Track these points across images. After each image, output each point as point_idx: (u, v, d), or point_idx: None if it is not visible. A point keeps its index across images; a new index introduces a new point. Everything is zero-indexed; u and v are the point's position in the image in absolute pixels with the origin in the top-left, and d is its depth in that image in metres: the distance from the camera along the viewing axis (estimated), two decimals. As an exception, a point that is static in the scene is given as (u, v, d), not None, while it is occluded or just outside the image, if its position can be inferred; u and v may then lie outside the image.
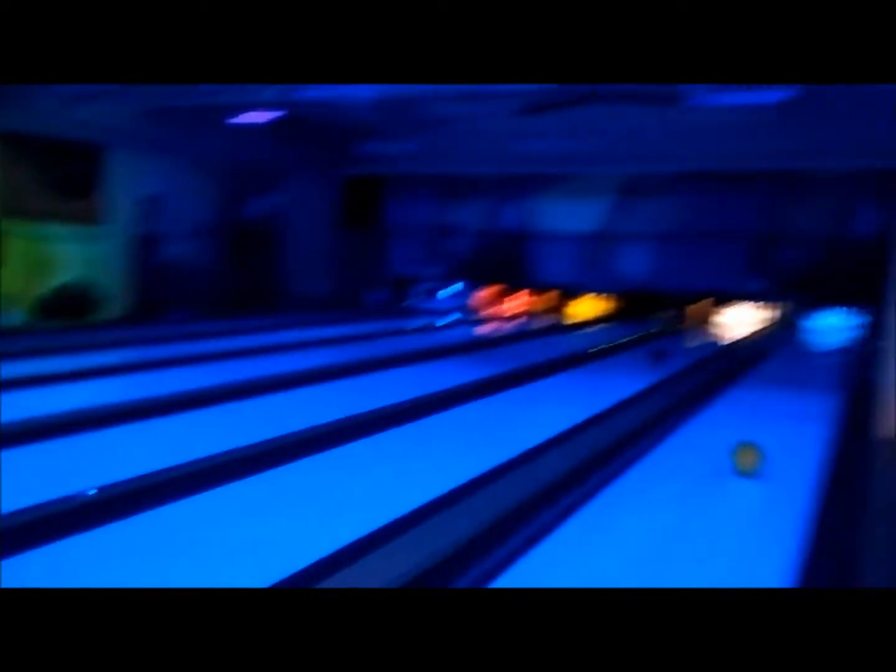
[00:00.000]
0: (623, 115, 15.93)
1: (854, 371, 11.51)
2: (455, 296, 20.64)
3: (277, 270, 18.09)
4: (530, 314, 19.45)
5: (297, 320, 15.42)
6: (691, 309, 18.42)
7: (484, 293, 20.85)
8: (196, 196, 16.19)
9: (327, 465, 5.76)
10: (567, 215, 18.20)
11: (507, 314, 19.34)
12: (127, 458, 5.56)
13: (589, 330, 17.28)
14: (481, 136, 17.26)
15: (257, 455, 5.79)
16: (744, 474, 5.91)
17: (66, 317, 13.56)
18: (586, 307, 19.61)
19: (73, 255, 13.94)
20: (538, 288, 19.58)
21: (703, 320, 18.34)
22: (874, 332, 15.09)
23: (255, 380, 8.77)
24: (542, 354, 11.92)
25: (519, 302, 20.63)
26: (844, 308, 17.04)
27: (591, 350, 12.85)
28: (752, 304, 17.90)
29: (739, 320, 18.20)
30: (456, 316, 18.50)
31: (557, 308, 19.88)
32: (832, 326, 17.23)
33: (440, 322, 17.24)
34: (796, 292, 16.72)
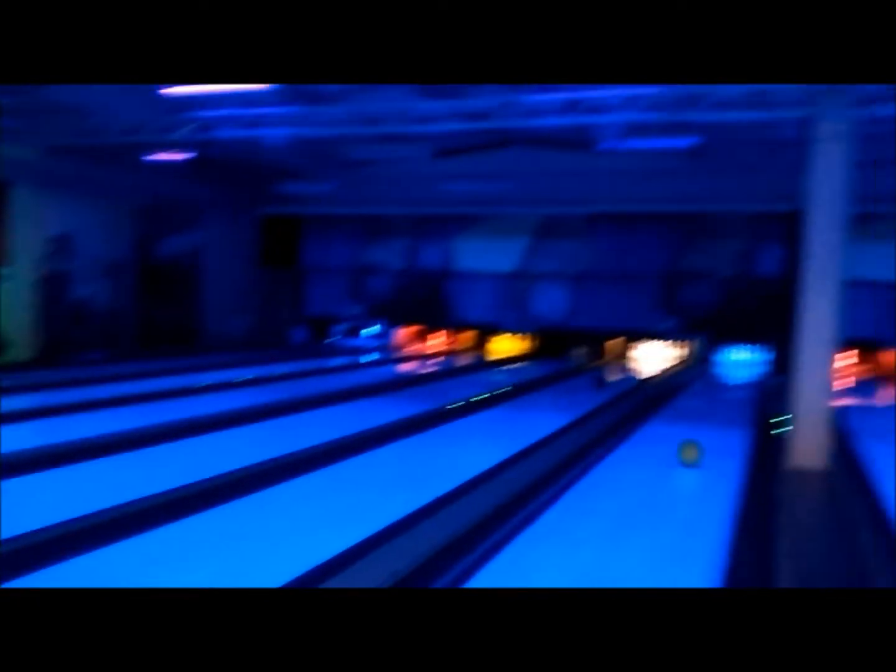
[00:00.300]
0: (538, 159, 16.40)
1: (760, 405, 11.97)
2: (376, 334, 20.64)
3: (195, 309, 17.75)
4: (450, 352, 19.59)
5: (217, 360, 15.10)
6: (608, 345, 18.91)
7: (405, 332, 20.91)
8: (109, 234, 15.80)
9: (250, 510, 5.65)
10: (485, 255, 18.50)
11: (428, 352, 19.43)
12: (32, 509, 5.34)
13: (508, 367, 17.50)
14: (401, 178, 17.46)
15: (181, 499, 5.66)
16: (688, 465, 7.18)
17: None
18: (505, 345, 19.88)
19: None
20: (458, 326, 19.76)
21: (619, 357, 18.84)
22: (779, 368, 15.77)
23: (176, 422, 8.56)
24: (464, 392, 12.01)
25: (439, 340, 20.76)
26: (751, 344, 17.78)
27: (510, 388, 13.02)
28: (663, 341, 18.47)
29: (652, 357, 18.75)
30: (377, 354, 18.48)
31: (477, 346, 20.09)
32: (740, 362, 17.93)
33: (362, 360, 17.18)
34: (705, 330, 17.35)
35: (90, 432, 7.82)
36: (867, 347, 17.00)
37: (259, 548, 4.82)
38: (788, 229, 15.40)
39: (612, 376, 15.49)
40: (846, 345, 14.58)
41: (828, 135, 7.70)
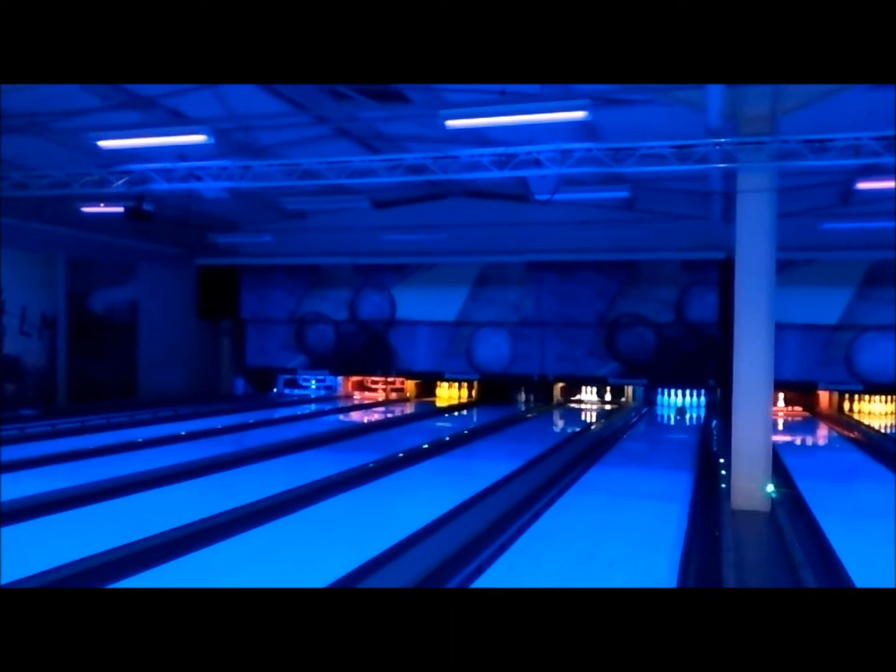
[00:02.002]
0: (477, 210, 16.71)
1: (701, 447, 12.20)
2: (319, 385, 20.48)
3: (132, 363, 17.39)
4: (394, 401, 19.54)
5: (156, 415, 14.72)
6: (554, 391, 19.16)
7: (348, 381, 20.81)
8: (40, 288, 15.43)
9: (196, 567, 5.52)
10: (427, 304, 18.63)
11: (372, 401, 19.35)
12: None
13: (452, 415, 17.52)
14: (340, 229, 17.55)
15: (126, 558, 5.50)
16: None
17: None
18: (449, 392, 19.95)
19: None
20: (401, 375, 19.76)
21: (563, 403, 19.08)
22: (718, 410, 16.14)
23: (111, 480, 8.32)
24: (410, 441, 11.97)
25: (383, 388, 20.70)
26: (689, 388, 18.19)
27: (456, 435, 13.03)
28: (604, 385, 18.76)
29: (594, 402, 19.02)
30: (321, 405, 18.31)
31: (421, 394, 20.09)
32: (679, 405, 18.31)
33: (304, 411, 17.01)
34: (644, 374, 17.69)
35: (26, 491, 7.56)
36: (800, 388, 17.55)
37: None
38: (722, 276, 15.96)
39: (549, 425, 15.57)
40: (780, 386, 15.06)
41: (750, 186, 8.04)
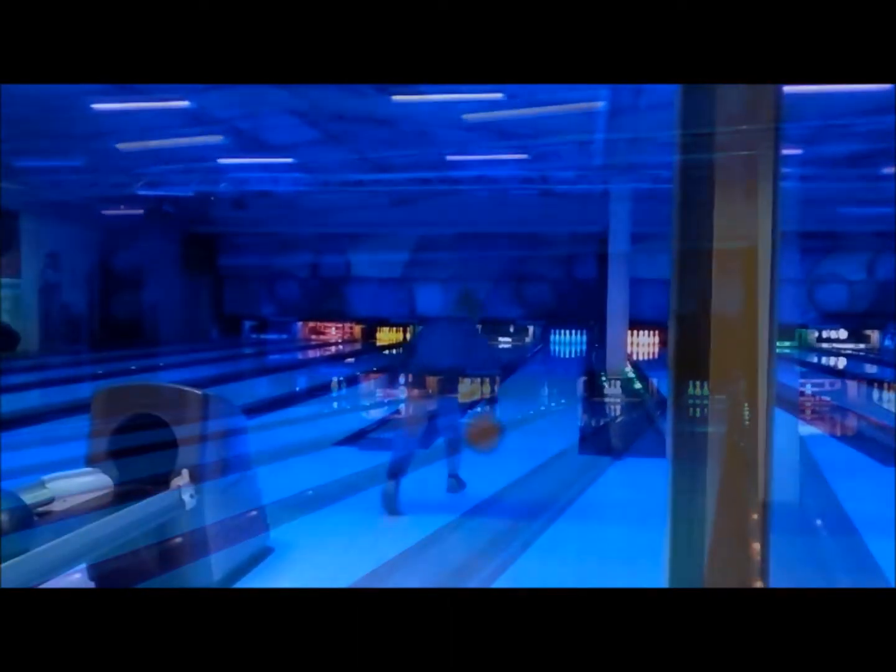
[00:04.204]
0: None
1: (587, 365, 17.13)
2: (284, 329, 24.96)
3: (141, 310, 21.41)
4: (346, 341, 24.33)
5: (165, 349, 18.19)
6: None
7: (306, 326, 25.35)
8: (83, 252, 19.50)
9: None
10: (375, 265, 23.60)
11: (328, 340, 24.07)
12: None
13: (391, 352, 21.53)
14: (304, 206, 21.60)
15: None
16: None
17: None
18: (390, 335, 24.83)
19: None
20: (353, 320, 24.74)
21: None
22: (597, 341, 20.97)
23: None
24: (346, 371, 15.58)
25: (338, 331, 25.33)
26: (575, 328, 23.78)
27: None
28: (512, 325, 23.96)
29: (506, 340, 24.09)
30: (289, 345, 22.86)
31: (365, 337, 24.88)
32: (568, 342, 23.88)
33: (275, 348, 21.30)
34: (543, 317, 23.40)
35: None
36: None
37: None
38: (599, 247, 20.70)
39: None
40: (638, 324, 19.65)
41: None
